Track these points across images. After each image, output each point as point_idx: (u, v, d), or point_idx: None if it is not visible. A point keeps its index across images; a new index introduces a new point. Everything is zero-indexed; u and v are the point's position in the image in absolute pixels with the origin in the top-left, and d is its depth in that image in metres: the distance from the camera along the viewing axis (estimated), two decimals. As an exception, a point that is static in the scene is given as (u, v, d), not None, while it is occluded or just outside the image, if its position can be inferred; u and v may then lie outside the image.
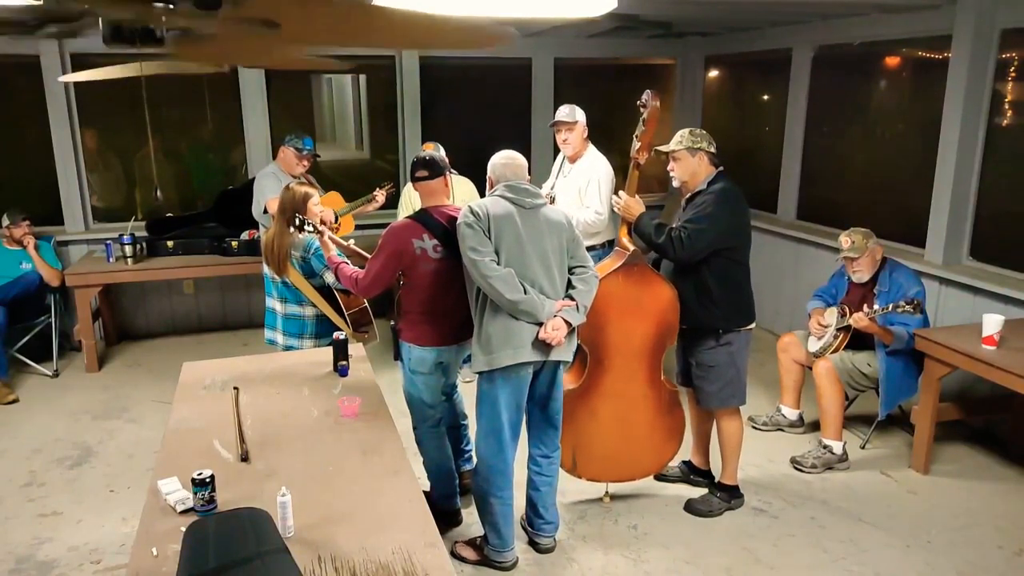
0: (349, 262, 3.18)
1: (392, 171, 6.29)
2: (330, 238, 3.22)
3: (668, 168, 3.24)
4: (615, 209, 3.28)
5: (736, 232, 3.15)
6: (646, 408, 3.26)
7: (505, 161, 2.88)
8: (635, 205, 3.19)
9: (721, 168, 3.19)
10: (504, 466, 2.91)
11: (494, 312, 2.73)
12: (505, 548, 2.97)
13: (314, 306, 3.43)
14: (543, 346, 2.75)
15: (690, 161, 3.16)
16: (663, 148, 3.21)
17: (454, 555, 3.04)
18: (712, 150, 3.16)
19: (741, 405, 3.34)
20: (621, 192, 3.24)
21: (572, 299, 2.81)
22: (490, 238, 2.70)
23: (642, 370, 3.20)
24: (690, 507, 3.41)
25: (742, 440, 3.38)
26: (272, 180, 4.40)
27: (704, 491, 3.51)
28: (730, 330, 3.18)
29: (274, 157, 4.85)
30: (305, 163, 4.56)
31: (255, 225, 5.02)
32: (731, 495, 3.43)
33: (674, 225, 3.14)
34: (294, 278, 3.35)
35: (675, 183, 3.26)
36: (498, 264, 2.69)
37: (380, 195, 4.66)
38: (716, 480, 3.50)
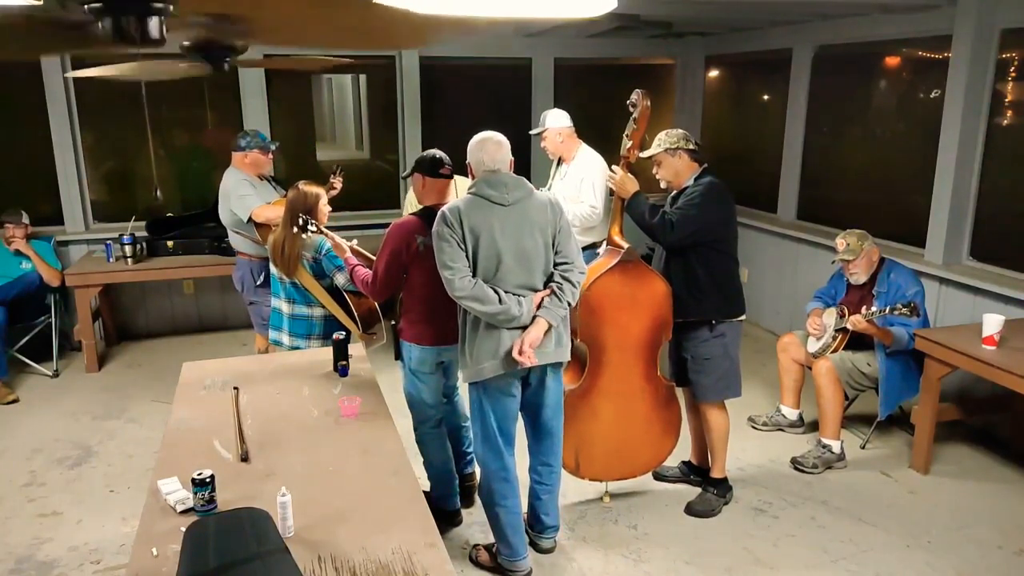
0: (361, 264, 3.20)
1: (392, 171, 6.28)
2: (334, 238, 3.23)
3: (654, 172, 3.29)
4: (609, 183, 3.27)
5: (724, 223, 3.20)
6: (645, 403, 3.27)
7: (480, 144, 2.70)
8: (629, 183, 3.19)
9: (705, 165, 3.24)
10: (505, 472, 2.88)
11: (476, 322, 2.69)
12: (516, 557, 2.93)
13: (322, 307, 3.42)
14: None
15: (671, 162, 3.20)
16: (644, 154, 3.22)
17: (471, 558, 3.07)
18: (692, 147, 3.20)
19: (737, 397, 3.35)
20: (616, 168, 3.22)
21: (551, 291, 2.66)
22: (466, 248, 2.60)
23: (640, 365, 3.21)
24: (691, 510, 3.41)
25: (729, 432, 3.39)
26: (249, 187, 4.10)
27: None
28: (722, 321, 3.22)
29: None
30: (270, 158, 4.31)
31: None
32: (724, 489, 3.45)
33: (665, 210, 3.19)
34: (305, 280, 3.35)
35: (662, 184, 3.30)
36: (475, 274, 2.62)
37: (336, 182, 4.32)
38: (708, 475, 3.51)
